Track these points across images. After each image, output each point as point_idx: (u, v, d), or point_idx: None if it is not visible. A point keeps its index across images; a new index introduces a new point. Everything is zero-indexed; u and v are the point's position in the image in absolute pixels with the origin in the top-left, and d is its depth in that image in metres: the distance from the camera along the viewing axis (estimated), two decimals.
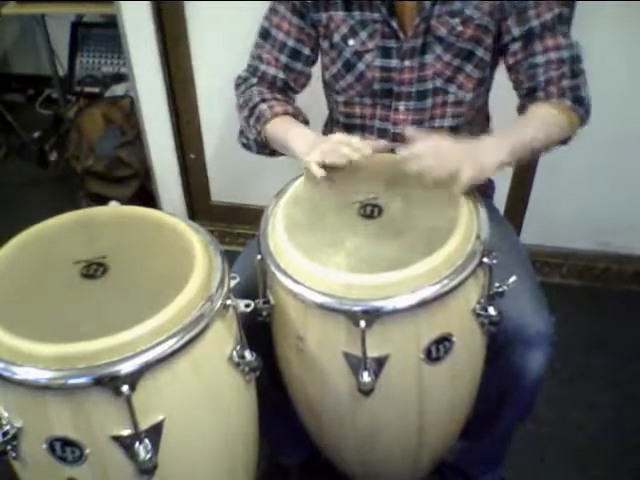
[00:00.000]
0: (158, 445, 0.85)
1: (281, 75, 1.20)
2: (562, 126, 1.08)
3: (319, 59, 1.25)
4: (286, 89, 1.22)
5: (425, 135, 1.02)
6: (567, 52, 1.10)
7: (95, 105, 2.41)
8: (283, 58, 1.20)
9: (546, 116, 1.08)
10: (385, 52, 1.14)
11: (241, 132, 1.26)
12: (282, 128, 1.15)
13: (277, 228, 0.99)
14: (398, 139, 1.19)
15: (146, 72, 1.94)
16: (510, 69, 1.15)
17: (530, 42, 1.10)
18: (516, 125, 1.08)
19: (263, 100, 1.18)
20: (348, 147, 1.02)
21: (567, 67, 1.09)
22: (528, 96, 1.12)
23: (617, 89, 1.70)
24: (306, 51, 1.20)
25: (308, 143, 1.09)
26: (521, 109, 1.14)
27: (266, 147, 1.20)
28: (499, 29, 1.11)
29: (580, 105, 1.10)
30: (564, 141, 1.13)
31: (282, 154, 1.20)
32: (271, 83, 1.21)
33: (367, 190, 1.04)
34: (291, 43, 1.18)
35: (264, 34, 1.21)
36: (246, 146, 1.26)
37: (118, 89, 2.50)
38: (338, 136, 1.07)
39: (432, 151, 0.98)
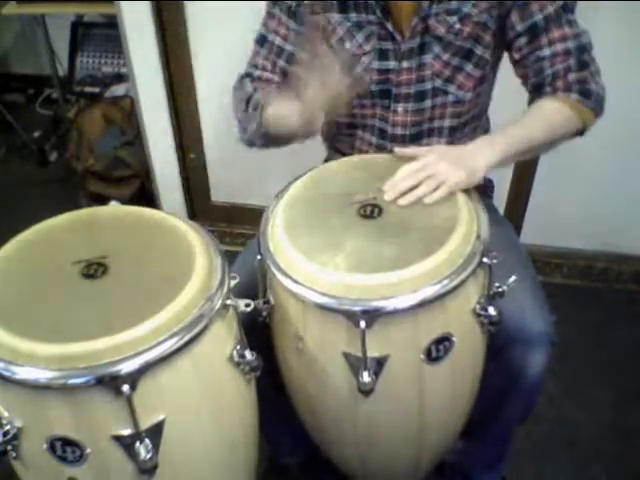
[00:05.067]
0: (158, 445, 0.85)
1: (277, 79, 1.19)
2: (569, 120, 1.07)
3: None
4: None
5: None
6: (573, 42, 1.08)
7: (95, 105, 2.42)
8: (281, 63, 1.19)
9: (550, 112, 1.07)
10: (382, 54, 1.14)
11: (244, 130, 1.21)
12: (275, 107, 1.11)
13: (277, 228, 0.99)
14: (397, 140, 1.19)
15: (146, 72, 1.94)
16: (516, 64, 1.14)
17: (535, 36, 1.08)
18: (516, 122, 1.07)
19: (256, 89, 1.17)
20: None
21: (574, 59, 1.08)
22: (535, 91, 1.12)
23: (617, 89, 1.69)
24: None
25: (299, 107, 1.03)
26: (531, 104, 1.13)
27: (269, 137, 1.16)
28: (500, 26, 1.10)
29: (588, 98, 1.08)
30: (579, 132, 1.11)
31: (289, 141, 1.16)
32: (266, 84, 1.19)
33: (367, 190, 1.04)
34: (289, 47, 1.17)
35: (260, 40, 1.20)
36: (250, 142, 1.21)
37: (118, 89, 2.50)
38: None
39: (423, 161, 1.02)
